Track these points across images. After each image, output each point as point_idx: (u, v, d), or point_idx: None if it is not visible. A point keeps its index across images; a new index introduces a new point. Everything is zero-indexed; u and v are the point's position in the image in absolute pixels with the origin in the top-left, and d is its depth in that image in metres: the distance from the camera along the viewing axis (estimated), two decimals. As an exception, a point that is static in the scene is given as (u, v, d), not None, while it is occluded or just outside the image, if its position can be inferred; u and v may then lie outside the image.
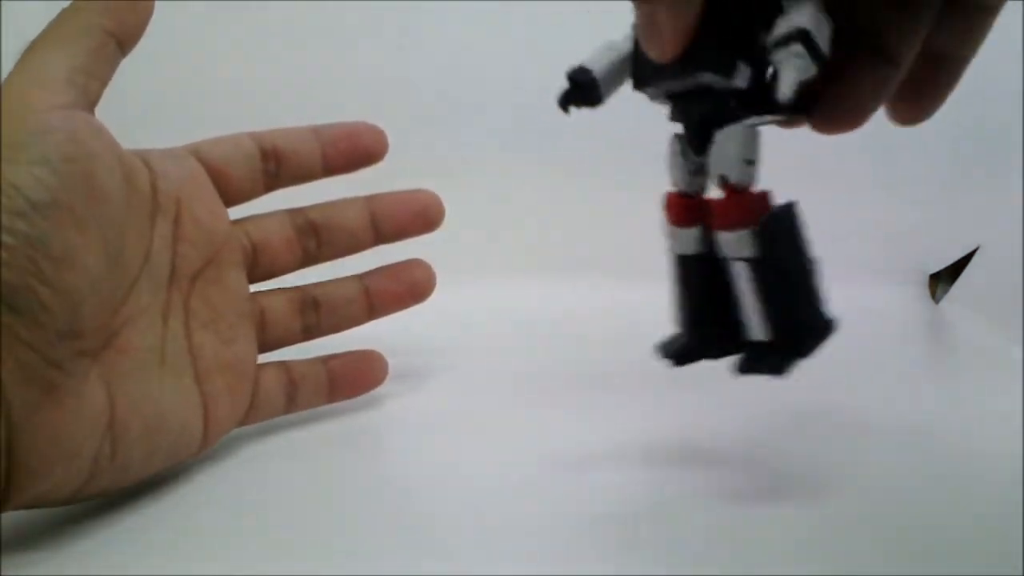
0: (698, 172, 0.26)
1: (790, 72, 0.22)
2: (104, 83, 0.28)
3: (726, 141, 0.24)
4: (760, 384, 0.42)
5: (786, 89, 0.22)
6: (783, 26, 0.23)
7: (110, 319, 0.26)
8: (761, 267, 0.24)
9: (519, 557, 0.24)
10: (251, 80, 0.60)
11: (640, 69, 0.25)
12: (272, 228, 0.34)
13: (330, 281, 0.36)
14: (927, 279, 0.62)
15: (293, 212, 0.35)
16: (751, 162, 0.24)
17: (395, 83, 0.60)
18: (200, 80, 0.60)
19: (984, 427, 0.36)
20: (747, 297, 0.25)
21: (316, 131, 0.34)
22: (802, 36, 0.22)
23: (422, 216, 0.36)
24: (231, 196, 0.33)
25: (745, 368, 0.25)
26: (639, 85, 0.26)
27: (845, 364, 0.49)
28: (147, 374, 0.27)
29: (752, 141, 0.24)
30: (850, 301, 0.58)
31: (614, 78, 0.26)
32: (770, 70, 0.24)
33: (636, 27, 0.24)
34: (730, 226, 0.24)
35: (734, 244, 0.24)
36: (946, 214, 0.62)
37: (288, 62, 0.60)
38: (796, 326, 0.25)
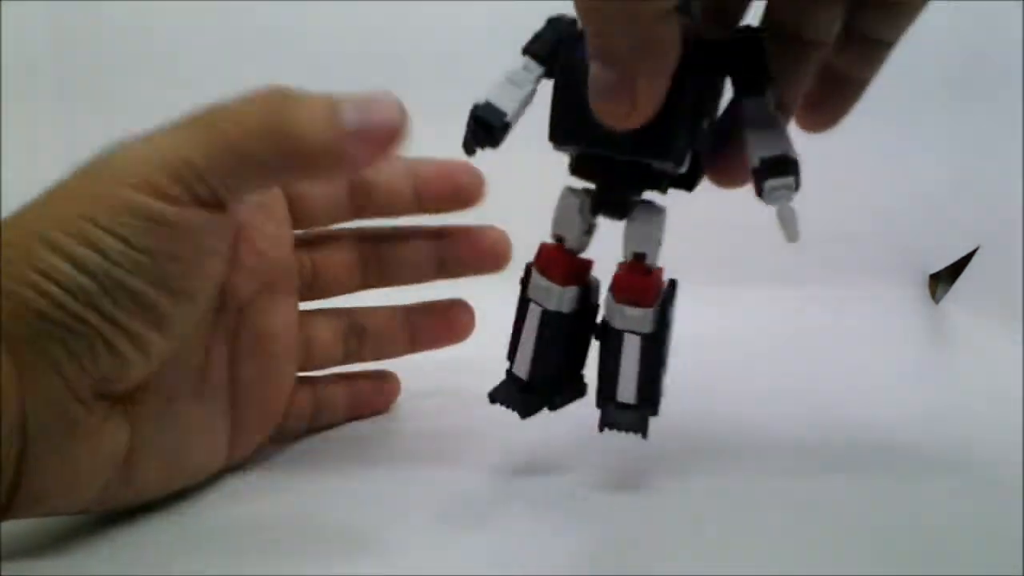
0: (588, 231, 0.25)
1: (792, 214, 0.22)
2: None
3: (651, 221, 0.25)
4: (760, 384, 0.42)
5: (795, 235, 0.22)
6: (766, 145, 0.22)
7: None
8: (649, 341, 0.25)
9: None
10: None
11: (564, 123, 0.24)
12: (336, 254, 0.32)
13: (377, 309, 0.34)
14: (927, 279, 0.62)
15: (361, 238, 0.33)
16: (660, 243, 0.25)
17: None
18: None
19: (984, 426, 0.36)
20: (627, 365, 0.26)
21: (411, 166, 0.31)
22: (795, 168, 0.22)
23: (490, 255, 0.33)
24: (305, 220, 0.31)
25: (609, 426, 0.26)
26: (562, 141, 0.24)
27: (845, 364, 0.49)
28: (178, 406, 0.26)
29: (665, 222, 0.25)
30: (850, 301, 0.58)
31: (518, 118, 0.25)
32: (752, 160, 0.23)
33: (592, 88, 0.22)
34: (637, 303, 0.25)
35: (637, 320, 0.25)
36: (946, 214, 0.62)
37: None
38: (656, 391, 0.26)
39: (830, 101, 0.27)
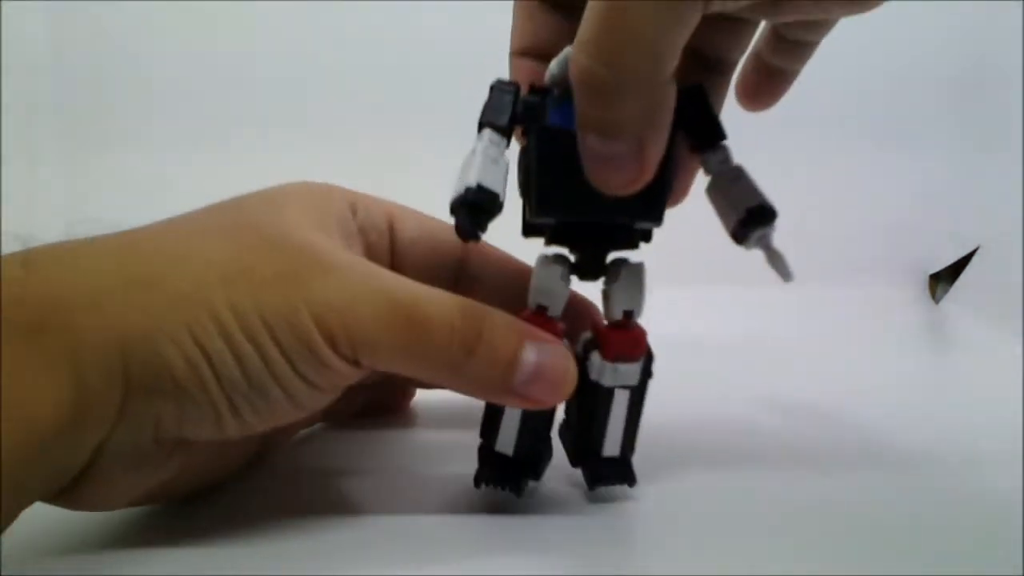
0: (567, 296, 0.25)
1: (780, 256, 0.23)
2: None
3: (636, 279, 0.25)
4: (760, 383, 0.42)
5: (789, 275, 0.23)
6: (743, 197, 0.23)
7: None
8: (636, 393, 0.26)
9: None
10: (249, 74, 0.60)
11: (552, 196, 0.23)
12: None
13: None
14: (927, 279, 0.62)
15: None
16: (646, 297, 0.25)
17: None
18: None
19: (984, 426, 0.36)
20: (615, 420, 0.26)
21: None
22: (774, 215, 0.23)
23: None
24: None
25: (600, 482, 0.26)
26: (552, 214, 0.24)
27: (846, 364, 0.49)
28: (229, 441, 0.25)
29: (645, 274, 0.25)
30: (850, 301, 0.58)
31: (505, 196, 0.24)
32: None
33: (593, 159, 0.21)
34: (630, 358, 0.25)
35: (629, 375, 0.25)
36: (946, 213, 0.62)
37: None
38: (635, 439, 0.26)
39: (767, 90, 0.28)
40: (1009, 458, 0.31)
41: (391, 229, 0.28)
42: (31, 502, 0.20)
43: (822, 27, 0.25)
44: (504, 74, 0.27)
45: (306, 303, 0.21)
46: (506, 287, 0.28)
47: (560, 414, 0.27)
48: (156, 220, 0.25)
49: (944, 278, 0.62)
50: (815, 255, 0.61)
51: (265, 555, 0.24)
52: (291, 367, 0.22)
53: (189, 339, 0.21)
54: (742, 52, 0.26)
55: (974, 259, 0.61)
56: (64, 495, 0.22)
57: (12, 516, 0.20)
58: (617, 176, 0.21)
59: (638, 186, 0.21)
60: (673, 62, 0.20)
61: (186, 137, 0.59)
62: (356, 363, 0.22)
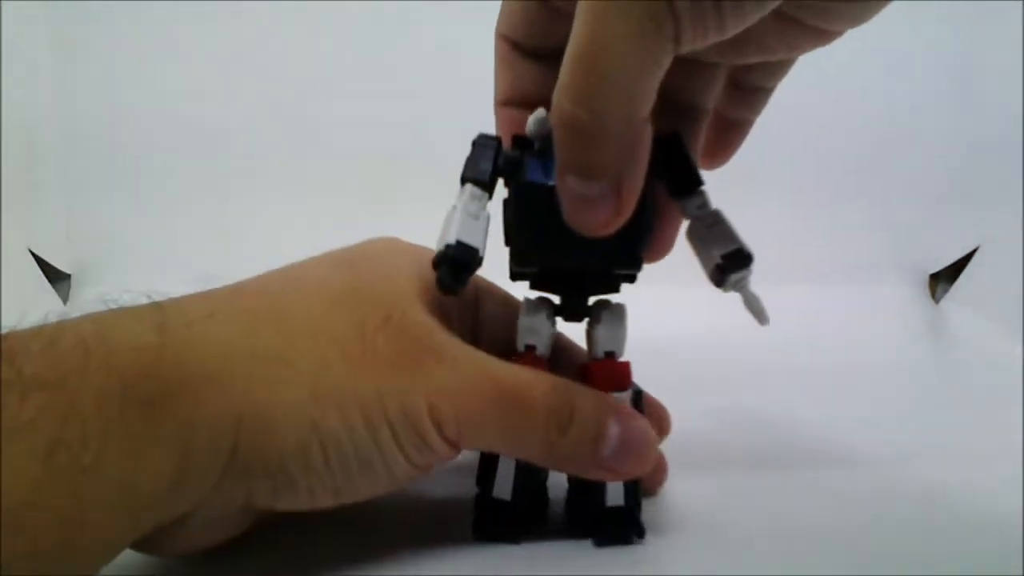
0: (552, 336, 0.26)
1: (756, 299, 0.25)
2: None
3: (618, 320, 0.26)
4: (760, 383, 0.42)
5: (765, 318, 0.25)
6: (721, 242, 0.24)
7: None
8: None
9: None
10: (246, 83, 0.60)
11: (533, 247, 0.24)
12: None
13: None
14: (927, 279, 0.62)
15: None
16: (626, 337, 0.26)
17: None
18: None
19: (984, 426, 0.36)
20: None
21: None
22: (751, 259, 0.24)
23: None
24: None
25: (609, 540, 0.25)
26: (533, 264, 0.25)
27: (846, 363, 0.49)
28: None
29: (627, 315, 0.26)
30: (850, 301, 0.58)
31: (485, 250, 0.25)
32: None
33: (571, 200, 0.22)
34: (619, 388, 0.25)
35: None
36: (946, 214, 0.62)
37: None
38: (639, 489, 0.26)
39: (723, 143, 0.29)
40: (1009, 458, 0.31)
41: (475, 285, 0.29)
42: (117, 555, 0.20)
43: (780, 70, 0.26)
44: (489, 116, 0.27)
45: (423, 389, 0.22)
46: (509, 322, 0.28)
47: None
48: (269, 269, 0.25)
49: (944, 278, 0.62)
50: (815, 255, 0.62)
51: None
52: (399, 447, 0.22)
53: (307, 420, 0.21)
54: (713, 98, 0.27)
55: (974, 259, 0.61)
56: (143, 544, 0.22)
57: (98, 570, 0.20)
58: (594, 216, 0.22)
59: (615, 226, 0.22)
60: (648, 103, 0.20)
61: (184, 170, 0.59)
62: (456, 445, 0.23)
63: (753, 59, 0.24)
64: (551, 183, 0.23)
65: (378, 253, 0.26)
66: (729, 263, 0.24)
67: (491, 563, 0.24)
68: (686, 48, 0.19)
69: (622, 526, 0.25)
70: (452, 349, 0.24)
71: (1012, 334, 0.50)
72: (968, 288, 0.60)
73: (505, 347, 0.26)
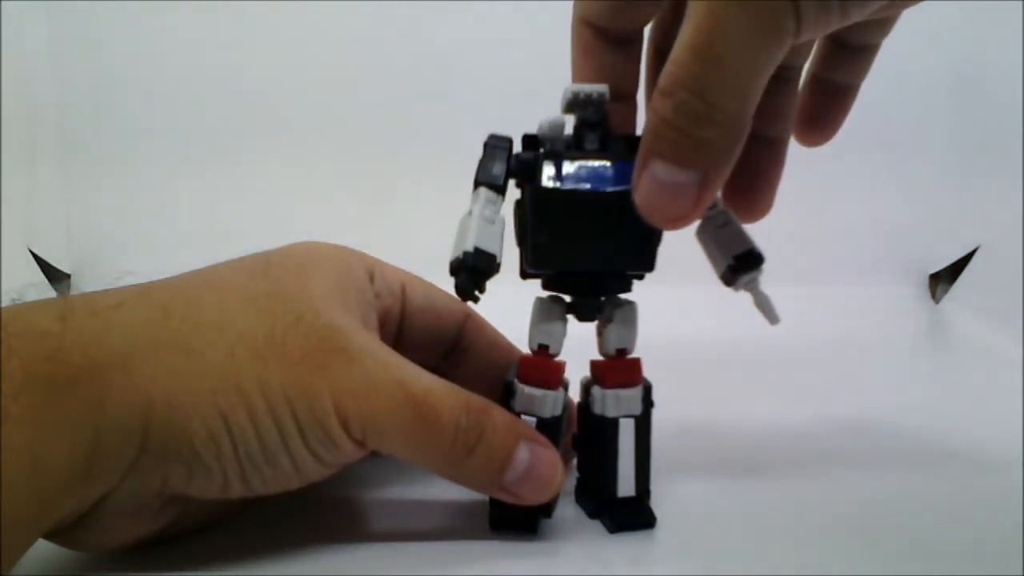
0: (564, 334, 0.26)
1: (767, 299, 0.26)
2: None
3: (630, 319, 0.26)
4: (760, 382, 0.42)
5: (776, 318, 0.26)
6: (732, 244, 0.25)
7: None
8: (641, 423, 0.26)
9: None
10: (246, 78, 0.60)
11: (551, 250, 0.24)
12: None
13: None
14: (927, 279, 0.62)
15: None
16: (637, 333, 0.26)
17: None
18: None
19: (984, 426, 0.36)
20: (624, 454, 0.26)
21: None
22: (761, 260, 0.25)
23: None
24: None
25: (620, 527, 0.26)
26: (551, 267, 0.25)
27: (846, 363, 0.49)
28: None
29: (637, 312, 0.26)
30: (850, 301, 0.58)
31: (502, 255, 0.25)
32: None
33: (655, 190, 0.22)
34: (630, 384, 0.26)
35: (631, 400, 0.26)
36: (946, 213, 0.62)
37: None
38: (648, 477, 0.26)
39: (827, 112, 0.28)
40: (1009, 458, 0.31)
41: (403, 295, 0.29)
42: (33, 543, 0.21)
43: (887, 24, 0.26)
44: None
45: (329, 388, 0.22)
46: (492, 364, 0.29)
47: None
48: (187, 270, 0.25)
49: (944, 278, 0.62)
50: (815, 255, 0.62)
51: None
52: (304, 444, 0.22)
53: (214, 410, 0.21)
54: (807, 55, 0.26)
55: (974, 259, 0.61)
56: (62, 535, 0.22)
57: (16, 558, 0.20)
58: (674, 205, 0.22)
59: (692, 219, 0.22)
60: (758, 97, 0.20)
61: (182, 150, 0.60)
62: (362, 445, 0.23)
63: (860, 16, 0.22)
64: (567, 187, 0.23)
65: (296, 258, 0.26)
66: (741, 264, 0.25)
67: (510, 550, 0.25)
68: (804, 39, 0.19)
69: (635, 514, 0.26)
70: (365, 352, 0.24)
71: (1012, 334, 0.50)
72: (968, 288, 0.60)
73: (436, 354, 0.27)
